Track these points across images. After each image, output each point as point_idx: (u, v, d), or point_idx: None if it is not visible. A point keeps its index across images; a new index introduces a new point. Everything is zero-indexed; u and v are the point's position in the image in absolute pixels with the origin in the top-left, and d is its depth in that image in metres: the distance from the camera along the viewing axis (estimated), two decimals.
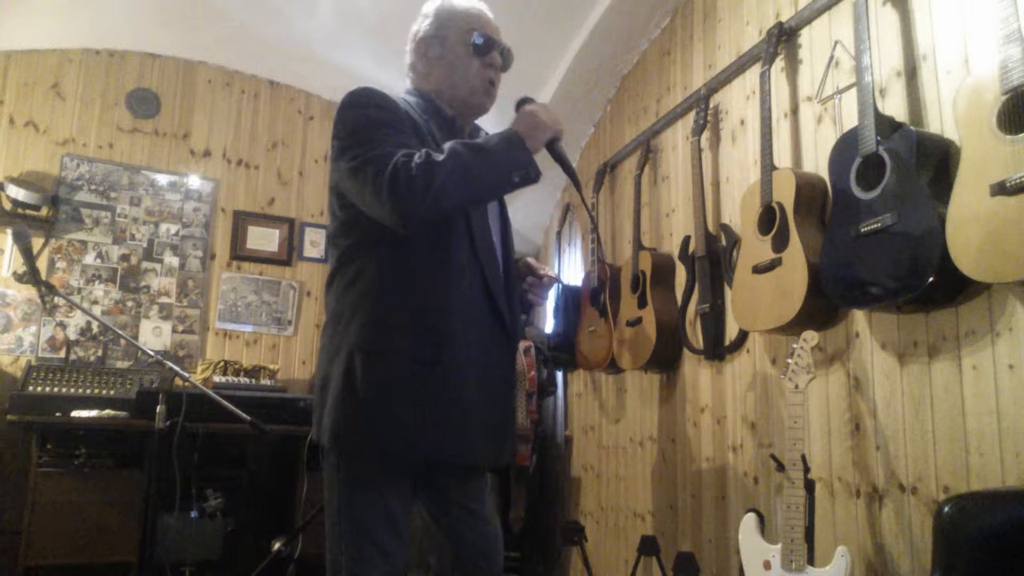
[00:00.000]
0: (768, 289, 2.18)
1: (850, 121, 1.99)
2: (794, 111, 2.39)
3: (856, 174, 1.90)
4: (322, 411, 1.52)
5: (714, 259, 2.67)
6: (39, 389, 3.41)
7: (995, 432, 1.65)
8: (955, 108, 1.67)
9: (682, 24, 3.14)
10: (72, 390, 3.46)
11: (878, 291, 1.81)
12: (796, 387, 1.92)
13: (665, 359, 2.93)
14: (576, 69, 3.61)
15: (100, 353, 3.91)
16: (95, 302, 3.94)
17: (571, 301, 3.66)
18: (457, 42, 1.67)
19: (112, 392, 3.51)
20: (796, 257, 2.09)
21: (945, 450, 1.78)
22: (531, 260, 1.77)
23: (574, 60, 3.56)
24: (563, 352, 3.65)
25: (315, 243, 4.46)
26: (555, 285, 2.09)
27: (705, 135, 2.83)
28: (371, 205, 1.46)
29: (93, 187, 4.02)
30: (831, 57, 2.23)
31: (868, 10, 1.94)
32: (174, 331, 4.09)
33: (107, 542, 3.17)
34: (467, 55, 1.66)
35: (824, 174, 2.13)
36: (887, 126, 1.84)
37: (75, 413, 3.25)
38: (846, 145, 1.95)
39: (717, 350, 2.64)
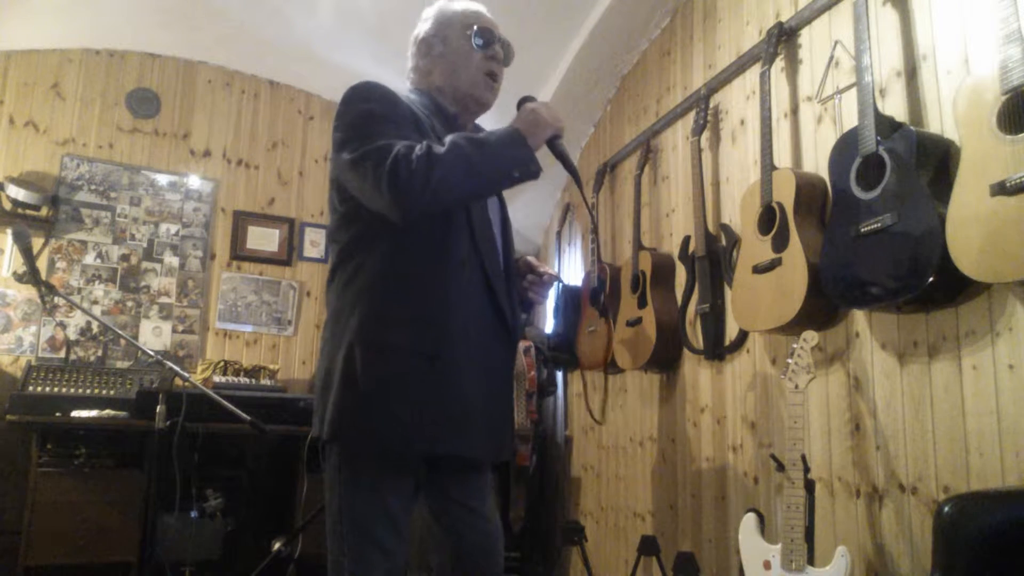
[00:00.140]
0: (768, 289, 2.18)
1: (850, 121, 1.99)
2: (794, 111, 2.39)
3: (856, 174, 1.90)
4: (323, 406, 1.52)
5: (714, 259, 2.67)
6: (39, 389, 3.41)
7: (995, 432, 1.65)
8: (955, 108, 1.67)
9: (682, 24, 3.14)
10: (72, 390, 3.46)
11: (878, 291, 1.81)
12: (796, 387, 1.93)
13: (665, 359, 2.93)
14: (576, 69, 3.61)
15: (100, 353, 3.91)
16: (95, 302, 3.94)
17: (571, 301, 3.66)
18: (457, 38, 1.69)
19: (112, 392, 3.51)
20: (796, 257, 2.09)
21: (945, 450, 1.78)
22: (531, 259, 1.77)
23: (574, 60, 3.57)
24: (563, 352, 3.65)
25: (315, 243, 4.46)
26: (555, 284, 2.09)
27: (705, 135, 2.83)
28: (371, 197, 1.46)
29: (93, 187, 4.02)
30: (831, 57, 2.23)
31: (868, 10, 1.94)
32: (174, 331, 4.09)
33: (107, 542, 3.17)
34: (468, 49, 1.68)
35: (824, 174, 2.13)
36: (887, 126, 1.84)
37: (75, 413, 3.25)
38: (846, 145, 1.95)
39: (717, 350, 2.64)
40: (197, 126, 4.30)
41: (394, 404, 1.46)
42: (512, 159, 1.49)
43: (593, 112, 3.88)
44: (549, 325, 3.96)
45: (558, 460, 4.08)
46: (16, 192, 3.68)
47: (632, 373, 3.28)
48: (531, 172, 1.49)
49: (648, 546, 2.71)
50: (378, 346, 1.48)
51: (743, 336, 2.55)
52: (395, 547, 1.49)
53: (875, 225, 1.81)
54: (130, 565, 3.15)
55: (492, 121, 1.76)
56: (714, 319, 2.65)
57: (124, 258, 4.04)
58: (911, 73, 1.95)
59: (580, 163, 4.04)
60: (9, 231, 3.45)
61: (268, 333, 4.28)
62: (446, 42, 1.70)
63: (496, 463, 1.77)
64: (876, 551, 1.94)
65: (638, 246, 3.13)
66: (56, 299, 3.69)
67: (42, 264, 3.82)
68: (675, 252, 2.95)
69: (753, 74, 2.57)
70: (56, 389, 3.44)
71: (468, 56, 1.68)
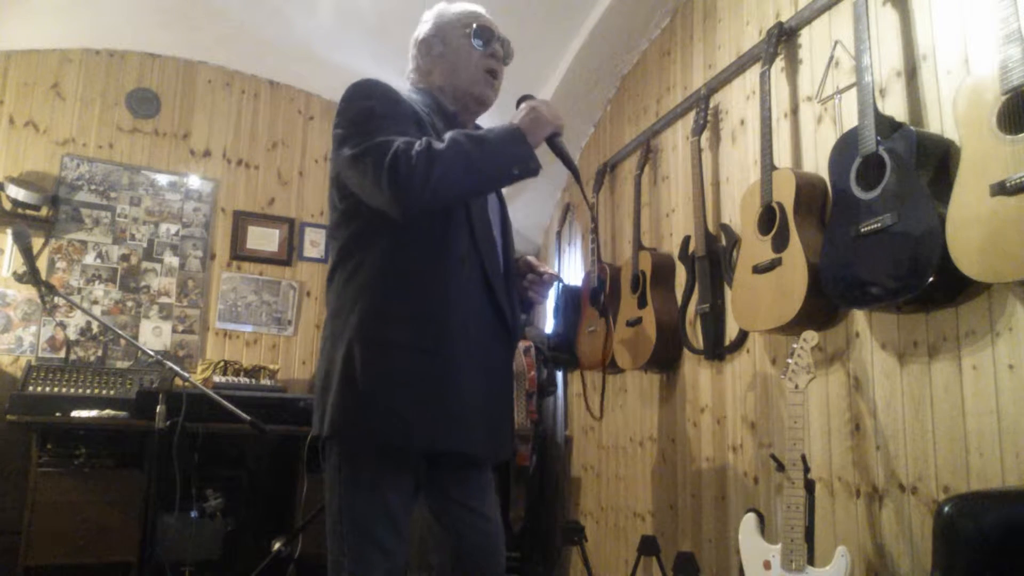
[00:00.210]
0: (768, 289, 2.18)
1: (850, 121, 1.99)
2: (794, 111, 2.39)
3: (856, 174, 1.90)
4: (323, 403, 1.52)
5: (714, 259, 2.67)
6: (39, 389, 3.41)
7: (995, 432, 1.65)
8: (955, 108, 1.67)
9: (682, 24, 3.14)
10: (72, 390, 3.46)
11: (878, 291, 1.81)
12: (796, 387, 1.93)
13: (665, 359, 2.93)
14: (576, 69, 3.61)
15: (100, 353, 3.91)
16: (95, 302, 3.94)
17: (571, 301, 3.65)
18: (457, 37, 1.71)
19: (112, 392, 3.51)
20: (796, 257, 2.09)
21: (945, 450, 1.78)
22: (531, 258, 1.77)
23: (574, 60, 3.57)
24: (563, 352, 3.65)
25: (315, 243, 4.46)
26: (555, 284, 2.09)
27: (705, 135, 2.83)
28: (371, 194, 1.46)
29: (93, 187, 4.02)
30: (831, 57, 2.23)
31: (868, 10, 1.94)
32: (174, 331, 4.09)
33: (107, 542, 3.17)
34: (467, 47, 1.70)
35: (824, 174, 2.13)
36: (887, 126, 1.84)
37: (75, 413, 3.25)
38: (846, 145, 1.96)
39: (717, 350, 2.64)
40: (197, 126, 4.30)
41: (394, 400, 1.46)
42: (512, 156, 1.49)
43: (593, 112, 3.88)
44: (549, 325, 3.96)
45: (558, 460, 4.08)
46: (16, 192, 3.68)
47: (632, 373, 3.28)
48: (531, 169, 1.50)
49: (648, 546, 2.71)
50: (378, 343, 1.48)
51: (743, 336, 2.55)
52: (395, 547, 1.49)
53: (875, 225, 1.81)
54: (130, 565, 3.15)
55: (492, 120, 1.76)
56: (714, 319, 2.65)
57: (124, 258, 4.04)
58: (911, 73, 1.95)
59: (580, 163, 4.04)
60: (9, 231, 3.44)
61: (268, 333, 4.28)
62: (446, 41, 1.71)
63: (496, 463, 1.77)
64: (876, 551, 1.94)
65: (638, 246, 3.13)
66: (56, 299, 3.69)
67: (42, 264, 3.82)
68: (675, 252, 2.95)
69: (753, 74, 2.57)
70: (56, 389, 3.44)
71: (468, 54, 1.69)
